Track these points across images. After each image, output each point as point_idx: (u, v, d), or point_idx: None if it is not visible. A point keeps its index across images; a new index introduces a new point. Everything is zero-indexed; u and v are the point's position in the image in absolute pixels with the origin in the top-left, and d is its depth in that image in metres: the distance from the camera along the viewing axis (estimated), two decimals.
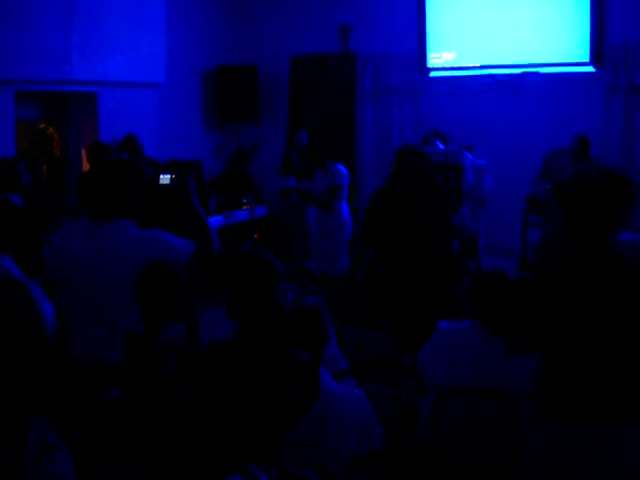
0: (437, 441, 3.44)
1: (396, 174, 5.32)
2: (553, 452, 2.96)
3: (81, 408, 3.15)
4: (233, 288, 3.44)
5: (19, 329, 1.89)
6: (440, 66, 10.36)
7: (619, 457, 2.88)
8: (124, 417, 3.02)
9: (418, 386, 3.75)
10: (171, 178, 4.09)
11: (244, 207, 9.27)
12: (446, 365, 3.55)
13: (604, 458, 2.88)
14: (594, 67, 9.65)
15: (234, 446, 2.35)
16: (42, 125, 9.03)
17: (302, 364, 2.67)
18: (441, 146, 8.33)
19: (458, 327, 3.68)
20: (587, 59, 9.62)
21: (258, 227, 9.23)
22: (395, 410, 3.64)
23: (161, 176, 4.30)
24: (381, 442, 3.07)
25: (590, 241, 2.95)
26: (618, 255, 2.93)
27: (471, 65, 10.20)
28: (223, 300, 3.46)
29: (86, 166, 7.98)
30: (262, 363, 2.66)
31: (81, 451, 2.28)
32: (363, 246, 5.68)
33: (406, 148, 5.52)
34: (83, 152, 8.32)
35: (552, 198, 7.54)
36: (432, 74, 10.45)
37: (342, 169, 8.51)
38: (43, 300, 3.17)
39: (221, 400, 2.65)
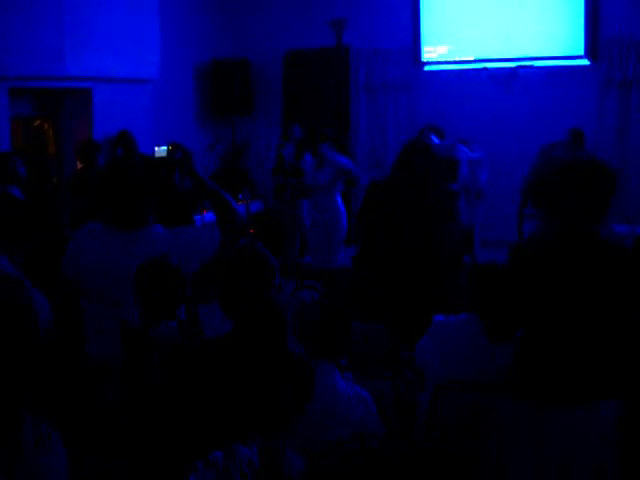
0: (434, 434, 3.44)
1: (398, 167, 5.31)
2: (527, 434, 2.99)
3: (83, 405, 3.15)
4: (227, 284, 3.43)
5: (15, 324, 1.89)
6: (434, 60, 10.36)
7: (594, 438, 2.91)
8: (119, 412, 3.02)
9: (416, 380, 3.75)
10: (168, 150, 3.87)
11: (239, 202, 9.26)
12: (443, 358, 3.56)
13: (579, 439, 2.92)
14: (588, 60, 9.66)
15: (226, 441, 2.36)
16: (37, 122, 9.01)
17: (297, 361, 2.67)
18: (436, 140, 8.32)
19: (454, 320, 3.68)
20: (582, 52, 9.64)
21: (253, 222, 9.23)
22: (393, 404, 3.64)
23: (156, 148, 4.08)
24: (380, 444, 3.07)
25: (573, 227, 2.97)
26: (602, 239, 2.95)
27: (465, 59, 10.20)
28: (217, 296, 3.45)
29: (78, 164, 7.96)
30: (256, 360, 2.65)
31: (73, 444, 2.29)
32: (358, 236, 5.67)
33: (412, 142, 5.52)
34: None
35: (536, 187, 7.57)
36: (426, 68, 10.45)
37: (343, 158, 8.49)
38: (39, 297, 3.15)
39: (214, 396, 2.65)
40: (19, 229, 3.44)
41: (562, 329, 2.95)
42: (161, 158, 4.09)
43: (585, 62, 9.69)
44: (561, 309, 2.95)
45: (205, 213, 7.92)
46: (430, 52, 10.33)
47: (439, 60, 10.34)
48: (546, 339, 3.00)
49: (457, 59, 10.25)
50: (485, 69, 10.15)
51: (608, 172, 3.02)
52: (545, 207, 3.07)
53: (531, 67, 9.93)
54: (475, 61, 10.16)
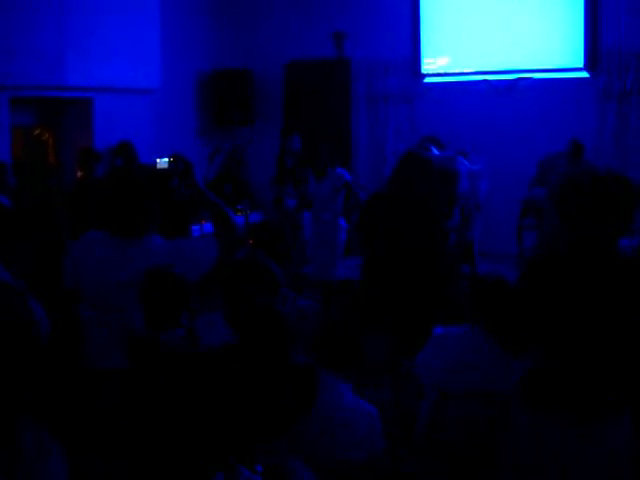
0: (435, 444, 3.44)
1: (395, 178, 5.32)
2: (538, 446, 2.97)
3: (83, 405, 3.15)
4: (230, 295, 3.43)
5: (13, 330, 1.90)
6: (434, 72, 10.39)
7: (605, 452, 2.89)
8: (119, 412, 3.03)
9: (416, 390, 3.75)
10: (169, 162, 3.87)
11: (239, 213, 9.26)
12: (443, 369, 3.56)
13: (590, 452, 2.90)
14: (588, 72, 9.69)
15: (225, 448, 2.36)
16: (37, 131, 9.02)
17: (299, 370, 2.68)
18: (436, 152, 8.34)
19: (454, 332, 3.68)
20: (581, 64, 9.67)
21: (252, 233, 9.22)
22: (394, 414, 3.64)
23: (158, 160, 4.08)
24: (382, 457, 3.06)
25: (591, 243, 2.95)
26: (621, 257, 2.93)
27: (465, 70, 10.23)
28: (220, 305, 3.46)
29: (78, 173, 7.97)
30: (258, 369, 2.66)
31: (73, 444, 2.29)
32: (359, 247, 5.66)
33: (409, 153, 5.52)
34: None
35: (547, 202, 7.56)
36: (426, 80, 10.47)
37: (343, 171, 8.50)
38: (35, 304, 3.15)
39: (217, 402, 2.66)
40: (4, 236, 3.45)
41: (579, 344, 2.93)
42: (162, 169, 4.08)
43: (584, 74, 9.72)
44: (577, 325, 2.93)
45: (204, 223, 7.92)
46: (430, 64, 10.36)
47: (439, 72, 10.36)
48: (561, 353, 2.98)
49: (457, 71, 10.27)
50: (485, 81, 10.18)
51: (631, 186, 2.99)
52: (562, 220, 3.02)
53: (531, 79, 9.95)
54: (475, 73, 10.19)
